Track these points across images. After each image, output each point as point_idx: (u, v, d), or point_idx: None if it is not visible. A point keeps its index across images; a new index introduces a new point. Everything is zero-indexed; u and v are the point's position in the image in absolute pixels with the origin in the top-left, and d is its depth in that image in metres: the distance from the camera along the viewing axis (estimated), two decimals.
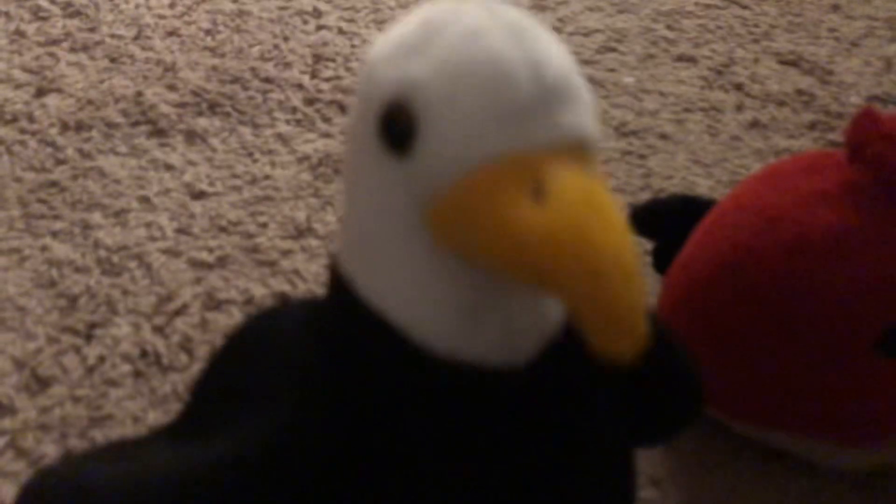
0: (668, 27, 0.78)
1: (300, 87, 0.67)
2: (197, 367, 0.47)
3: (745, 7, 0.81)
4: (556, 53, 0.20)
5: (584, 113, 0.20)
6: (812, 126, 0.69)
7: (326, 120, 0.64)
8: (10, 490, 0.41)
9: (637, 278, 0.18)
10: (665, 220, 0.47)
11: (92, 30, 0.70)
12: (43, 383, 0.46)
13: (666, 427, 0.29)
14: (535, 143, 0.19)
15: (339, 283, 0.23)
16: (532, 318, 0.22)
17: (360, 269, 0.22)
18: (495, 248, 0.19)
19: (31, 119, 0.62)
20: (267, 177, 0.59)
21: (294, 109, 0.65)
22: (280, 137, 0.62)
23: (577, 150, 0.20)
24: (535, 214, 0.18)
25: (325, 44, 0.71)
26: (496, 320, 0.21)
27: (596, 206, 0.18)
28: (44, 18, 0.71)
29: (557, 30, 0.77)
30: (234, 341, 0.24)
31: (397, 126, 0.20)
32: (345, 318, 0.22)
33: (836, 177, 0.39)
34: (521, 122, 0.19)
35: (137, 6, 0.73)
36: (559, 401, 0.23)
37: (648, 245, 0.49)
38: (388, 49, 0.21)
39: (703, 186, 0.62)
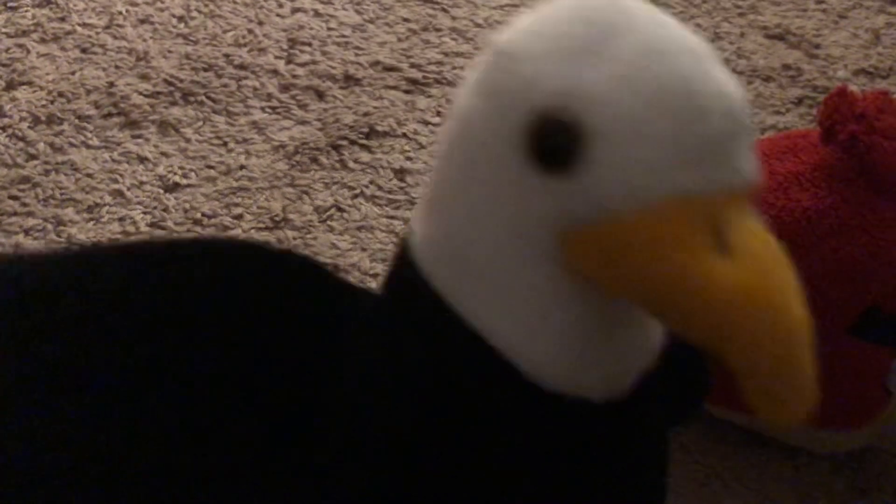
0: (653, 1, 0.77)
1: (275, 72, 0.66)
2: None
3: None
4: (735, 86, 0.19)
5: (755, 155, 0.19)
6: (799, 101, 0.67)
7: (302, 106, 0.63)
8: None
9: (811, 342, 0.17)
10: None
11: (62, 19, 0.69)
12: None
13: (674, 418, 0.29)
14: (720, 186, 0.18)
15: (425, 297, 0.21)
16: (639, 353, 0.21)
17: (459, 287, 0.20)
18: (669, 294, 0.18)
19: (1, 113, 0.61)
20: (242, 167, 0.58)
21: (269, 96, 0.64)
22: (255, 125, 0.62)
23: (745, 196, 0.19)
24: (722, 268, 0.17)
25: (300, 27, 0.70)
26: (608, 356, 0.20)
27: (781, 264, 0.18)
28: (13, 9, 0.70)
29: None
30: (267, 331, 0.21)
31: (557, 140, 0.18)
32: (437, 337, 0.21)
33: (811, 158, 0.39)
34: (710, 162, 0.18)
35: None
36: (646, 427, 0.23)
37: None
38: (542, 45, 0.19)
39: None
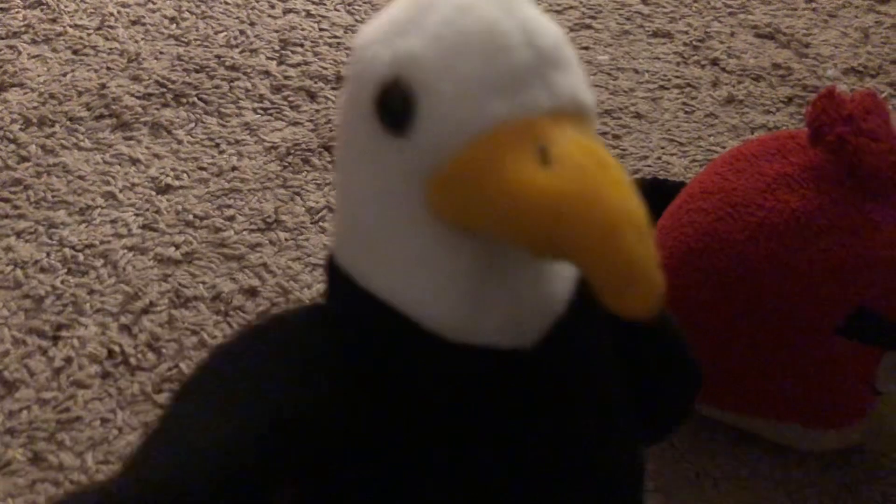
0: (644, 2, 0.77)
1: (267, 73, 0.66)
2: (164, 367, 0.47)
3: None
4: (546, 22, 0.21)
5: (579, 78, 0.20)
6: (789, 100, 0.68)
7: (294, 107, 0.63)
8: None
9: (648, 231, 0.18)
10: None
11: (53, 20, 0.69)
12: (9, 387, 0.46)
13: (667, 419, 0.29)
14: (535, 109, 0.19)
15: (337, 278, 0.23)
16: (539, 298, 0.22)
17: (360, 261, 0.22)
18: (505, 214, 0.19)
19: None
20: (234, 168, 0.58)
21: (261, 97, 0.64)
22: (247, 127, 0.61)
23: (578, 118, 0.20)
24: (543, 177, 0.18)
25: (292, 28, 0.70)
26: (503, 301, 0.21)
27: (603, 165, 0.18)
28: (3, 10, 0.69)
29: None
30: (238, 342, 0.24)
31: (394, 104, 0.20)
32: (348, 311, 0.22)
33: (799, 160, 0.39)
34: (519, 89, 0.19)
35: None
36: (567, 379, 0.23)
37: None
38: (379, 30, 0.21)
39: (677, 166, 0.62)
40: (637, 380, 0.26)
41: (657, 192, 0.46)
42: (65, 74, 0.64)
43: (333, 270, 0.23)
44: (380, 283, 0.21)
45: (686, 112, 0.66)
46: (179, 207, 0.55)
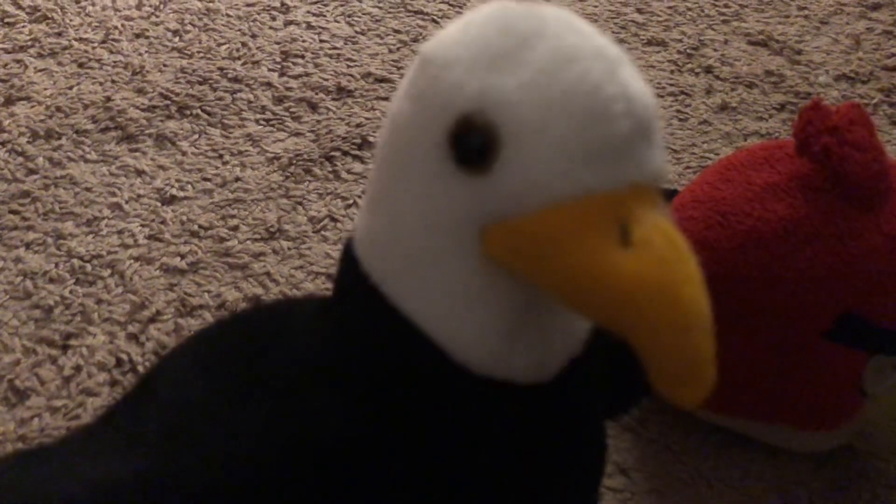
0: (638, 10, 0.78)
1: (269, 85, 0.67)
2: None
3: None
4: (643, 88, 0.20)
5: (663, 152, 0.20)
6: (781, 107, 0.69)
7: (296, 118, 0.65)
8: None
9: (712, 331, 0.18)
10: None
11: (59, 34, 0.70)
12: (21, 395, 0.47)
13: (626, 400, 0.30)
14: (624, 183, 0.19)
15: (362, 288, 0.22)
16: (566, 339, 0.22)
17: (394, 278, 0.22)
18: (574, 284, 0.19)
19: (0, 129, 0.62)
20: (237, 179, 0.60)
21: (263, 108, 0.65)
22: (250, 138, 0.63)
23: (653, 189, 0.20)
24: (624, 261, 0.18)
25: (293, 39, 0.71)
26: (534, 341, 0.22)
27: (681, 257, 0.18)
28: (10, 24, 0.71)
29: None
30: (230, 336, 0.23)
31: (474, 142, 0.19)
32: (373, 324, 0.22)
33: (787, 169, 0.40)
34: (613, 160, 0.19)
35: (104, 8, 0.73)
36: (575, 410, 0.24)
37: None
38: (463, 53, 0.20)
39: (671, 173, 0.63)
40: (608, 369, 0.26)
41: None
42: (71, 88, 0.65)
43: (357, 275, 0.22)
44: (414, 305, 0.21)
45: (680, 119, 0.67)
46: (184, 218, 0.56)
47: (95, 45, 0.69)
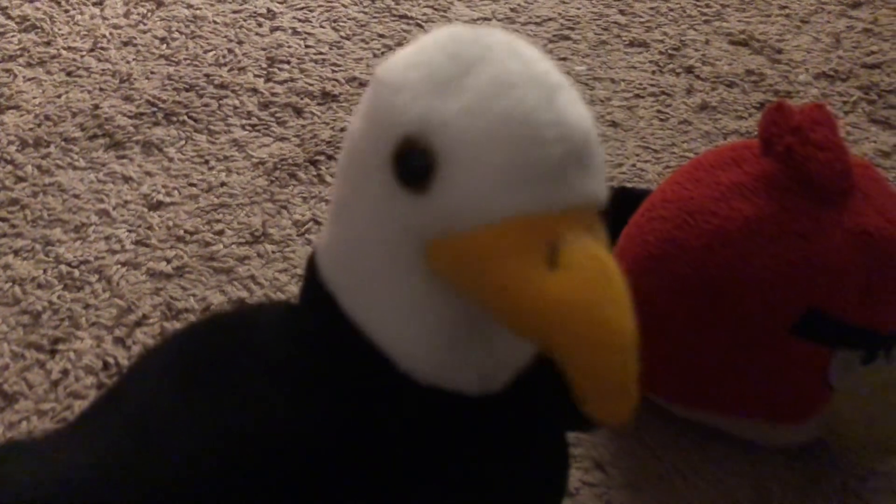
0: (621, 12, 0.79)
1: (255, 91, 0.68)
2: None
3: None
4: (581, 114, 0.21)
5: (601, 177, 0.21)
6: (761, 106, 0.70)
7: (281, 123, 0.66)
8: None
9: (635, 351, 0.19)
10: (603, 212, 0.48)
11: (48, 43, 0.71)
12: (9, 399, 0.48)
13: (574, 420, 0.31)
14: (556, 206, 0.20)
15: (320, 295, 0.23)
16: (511, 352, 0.23)
17: (348, 287, 0.22)
18: (503, 302, 0.19)
19: None
20: (223, 184, 0.60)
21: (249, 114, 0.66)
22: (235, 143, 0.64)
23: (589, 213, 0.20)
24: (550, 280, 0.19)
25: (279, 46, 0.72)
26: (481, 354, 0.22)
27: (608, 279, 0.19)
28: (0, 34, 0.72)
29: (511, 19, 0.77)
30: (200, 339, 0.24)
31: (414, 163, 0.20)
32: (327, 334, 0.23)
33: (753, 169, 0.41)
34: (546, 185, 0.20)
35: (93, 17, 0.74)
36: (524, 421, 0.24)
37: None
38: (412, 76, 0.21)
39: (651, 172, 0.63)
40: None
41: (624, 201, 0.48)
42: (59, 96, 0.66)
43: (316, 283, 0.23)
44: (363, 315, 0.22)
45: (660, 119, 0.68)
46: (170, 223, 0.57)
47: (84, 53, 0.70)
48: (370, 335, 0.22)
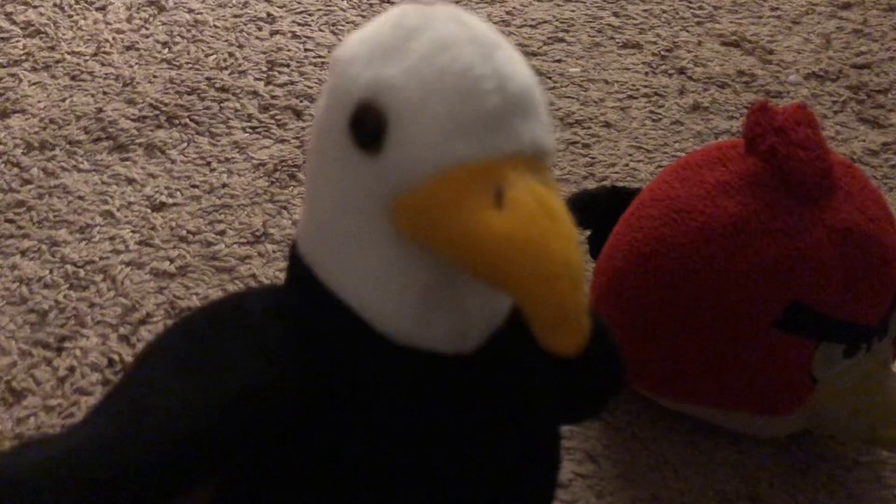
0: (615, 14, 0.80)
1: (255, 94, 0.69)
2: None
3: None
4: (520, 69, 0.22)
5: (543, 126, 0.22)
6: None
7: (281, 125, 0.67)
8: None
9: (583, 282, 0.20)
10: (596, 210, 0.50)
11: (52, 48, 0.72)
12: (17, 395, 0.49)
13: (593, 403, 0.32)
14: (497, 153, 0.21)
15: (299, 270, 0.24)
16: (484, 310, 0.24)
17: (322, 258, 0.24)
18: (457, 247, 0.21)
19: None
20: (224, 185, 0.62)
21: (250, 117, 0.67)
22: (236, 145, 0.65)
23: (535, 161, 0.21)
24: (495, 219, 0.20)
25: (279, 49, 0.74)
26: (452, 312, 0.23)
27: (551, 214, 0.20)
28: (4, 39, 0.73)
29: (506, 22, 0.79)
30: (194, 323, 0.25)
31: (368, 125, 0.22)
32: (306, 303, 0.24)
33: (738, 168, 0.42)
34: (486, 133, 0.21)
35: (96, 22, 0.75)
36: (500, 383, 0.25)
37: (583, 233, 0.52)
38: (362, 49, 0.22)
39: (644, 172, 0.65)
40: (569, 371, 0.28)
41: (615, 199, 0.49)
42: (64, 100, 0.68)
43: (295, 259, 0.25)
44: (338, 282, 0.23)
45: (653, 120, 0.69)
46: (173, 224, 0.59)
47: (87, 58, 0.72)
48: (347, 301, 0.23)
